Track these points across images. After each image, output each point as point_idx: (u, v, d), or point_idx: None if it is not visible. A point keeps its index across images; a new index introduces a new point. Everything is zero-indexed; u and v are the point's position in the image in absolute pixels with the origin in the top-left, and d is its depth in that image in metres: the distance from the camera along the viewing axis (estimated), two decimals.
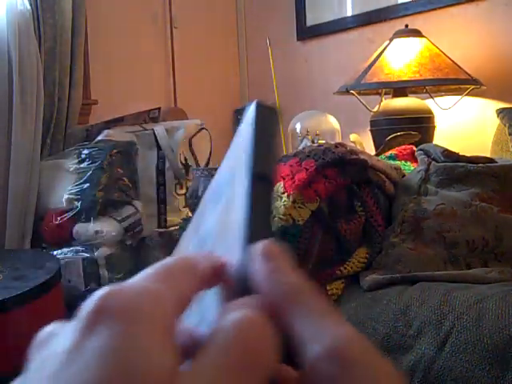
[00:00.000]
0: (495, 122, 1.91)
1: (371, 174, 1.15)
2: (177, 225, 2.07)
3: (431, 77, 1.89)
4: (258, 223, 0.22)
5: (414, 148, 1.41)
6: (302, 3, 2.71)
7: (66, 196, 1.88)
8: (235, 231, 0.22)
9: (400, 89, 2.01)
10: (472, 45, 2.17)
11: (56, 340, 0.18)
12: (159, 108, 2.29)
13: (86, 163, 1.92)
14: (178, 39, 2.74)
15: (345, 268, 1.07)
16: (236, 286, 0.21)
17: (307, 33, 2.71)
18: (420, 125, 1.90)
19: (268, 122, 0.24)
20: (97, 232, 1.83)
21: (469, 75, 1.93)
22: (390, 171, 1.22)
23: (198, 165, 2.25)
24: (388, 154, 1.46)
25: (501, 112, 1.85)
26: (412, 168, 1.32)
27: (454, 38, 2.20)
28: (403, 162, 1.40)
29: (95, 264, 1.85)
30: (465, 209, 1.12)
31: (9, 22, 2.03)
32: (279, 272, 0.21)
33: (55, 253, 1.84)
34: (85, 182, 1.88)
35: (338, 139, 2.10)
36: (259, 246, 0.21)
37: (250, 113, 0.25)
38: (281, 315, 0.20)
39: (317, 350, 0.19)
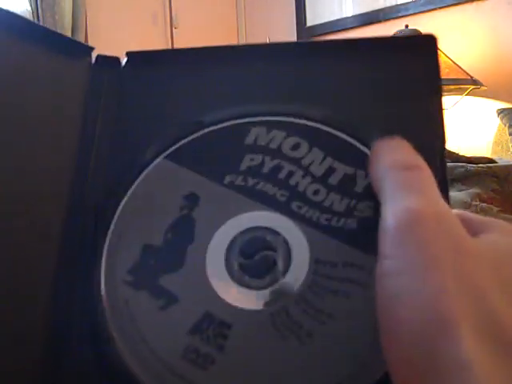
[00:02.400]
0: (495, 121, 1.90)
1: None
2: None
3: None
4: None
5: None
6: (301, 3, 2.70)
7: None
8: None
9: None
10: (472, 45, 2.17)
11: None
12: None
13: None
14: (178, 39, 2.74)
15: None
16: None
17: (307, 33, 2.71)
18: None
19: None
20: None
21: (469, 75, 1.93)
22: None
23: None
24: None
25: (501, 112, 1.85)
26: None
27: (453, 38, 2.20)
28: None
29: None
30: (465, 209, 1.12)
31: None
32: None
33: None
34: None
35: None
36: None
37: None
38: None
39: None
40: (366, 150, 0.25)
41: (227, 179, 0.25)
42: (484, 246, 0.20)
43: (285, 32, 2.78)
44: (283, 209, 0.25)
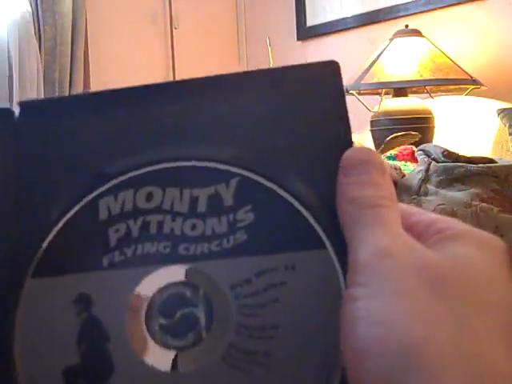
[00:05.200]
0: (495, 122, 1.90)
1: None
2: None
3: (431, 77, 1.89)
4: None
5: (414, 148, 1.41)
6: (301, 3, 2.70)
7: None
8: None
9: (400, 89, 2.01)
10: (472, 45, 2.17)
11: None
12: None
13: None
14: (178, 39, 2.74)
15: None
16: None
17: (307, 33, 2.71)
18: (420, 125, 1.90)
19: None
20: None
21: (469, 75, 1.93)
22: (390, 171, 1.22)
23: None
24: (388, 154, 1.46)
25: (501, 112, 1.85)
26: (412, 168, 1.32)
27: (454, 38, 2.20)
28: (403, 162, 1.40)
29: None
30: (465, 209, 1.12)
31: (9, 23, 2.03)
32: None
33: None
34: None
35: None
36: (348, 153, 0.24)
37: None
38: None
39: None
40: (212, 164, 0.25)
41: (105, 262, 0.24)
42: (451, 262, 0.21)
43: (285, 32, 2.78)
44: (172, 258, 0.24)
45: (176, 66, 2.75)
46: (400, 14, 2.33)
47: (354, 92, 1.98)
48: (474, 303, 0.19)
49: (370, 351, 0.19)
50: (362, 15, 2.49)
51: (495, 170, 1.16)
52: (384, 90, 2.08)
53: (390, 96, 2.06)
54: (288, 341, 0.23)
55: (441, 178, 1.18)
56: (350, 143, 0.25)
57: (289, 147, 0.25)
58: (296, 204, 0.24)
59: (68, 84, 2.22)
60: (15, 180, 0.25)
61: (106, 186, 0.25)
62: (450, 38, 2.19)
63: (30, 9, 2.08)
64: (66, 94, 2.21)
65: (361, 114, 2.17)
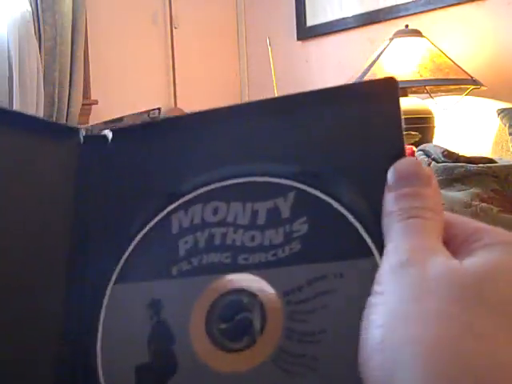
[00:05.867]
0: (495, 122, 1.91)
1: None
2: None
3: (431, 77, 1.89)
4: None
5: (414, 148, 1.41)
6: (302, 3, 2.70)
7: None
8: None
9: (400, 89, 2.00)
10: (472, 45, 2.17)
11: None
12: (159, 108, 2.28)
13: None
14: (178, 39, 2.74)
15: None
16: None
17: (307, 33, 2.71)
18: (420, 125, 1.90)
19: None
20: None
21: (469, 75, 1.93)
22: None
23: None
24: None
25: (501, 112, 1.85)
26: None
27: (454, 37, 2.20)
28: None
29: None
30: (465, 209, 1.12)
31: (9, 23, 2.03)
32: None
33: None
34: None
35: None
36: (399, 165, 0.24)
37: None
38: None
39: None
40: (272, 179, 0.27)
41: (174, 271, 0.27)
42: (474, 274, 0.21)
43: (285, 32, 2.78)
44: (233, 267, 0.26)
45: (176, 66, 2.75)
46: (400, 14, 2.33)
47: None
48: (494, 311, 0.19)
49: (372, 352, 0.19)
50: (361, 15, 2.49)
51: (495, 170, 1.16)
52: None
53: None
54: (335, 345, 0.24)
55: (441, 178, 1.18)
56: (403, 156, 0.26)
57: (345, 161, 0.26)
58: (348, 215, 0.25)
59: (68, 84, 2.22)
60: (104, 197, 0.29)
61: (178, 203, 0.28)
62: (449, 38, 2.19)
63: (29, 8, 2.08)
64: (66, 94, 2.21)
65: None
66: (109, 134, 0.31)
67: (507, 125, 1.79)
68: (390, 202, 0.23)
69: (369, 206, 0.25)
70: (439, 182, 1.16)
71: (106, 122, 2.18)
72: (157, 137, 0.30)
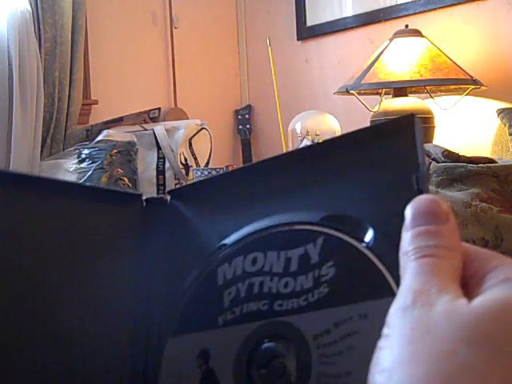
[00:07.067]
0: (495, 122, 1.91)
1: None
2: None
3: (431, 77, 1.89)
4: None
5: None
6: (302, 3, 2.70)
7: None
8: None
9: (400, 89, 2.01)
10: (472, 45, 2.17)
11: None
12: (159, 108, 2.28)
13: (86, 163, 1.92)
14: (178, 39, 2.74)
15: None
16: None
17: (307, 33, 2.71)
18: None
19: None
20: None
21: (469, 75, 1.93)
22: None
23: (198, 165, 2.25)
24: None
25: (501, 112, 1.85)
26: None
27: (454, 38, 2.20)
28: None
29: None
30: (465, 209, 1.12)
31: (9, 22, 2.03)
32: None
33: None
34: (85, 182, 1.88)
35: None
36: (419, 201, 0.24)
37: None
38: None
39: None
40: (303, 227, 0.28)
41: (220, 321, 0.29)
42: (478, 314, 0.20)
43: (285, 32, 2.78)
44: (269, 314, 0.28)
45: (176, 66, 2.75)
46: (400, 14, 2.33)
47: (354, 92, 1.98)
48: (498, 350, 0.19)
49: None
50: (361, 15, 2.49)
51: (495, 169, 1.16)
52: (384, 90, 2.08)
53: (390, 96, 2.06)
54: None
55: (441, 178, 1.18)
56: (421, 193, 0.26)
57: (368, 202, 0.27)
58: (372, 256, 0.26)
59: (68, 84, 2.22)
60: (164, 254, 0.32)
61: (223, 255, 0.30)
62: (449, 38, 2.19)
63: (29, 8, 2.08)
64: (66, 94, 2.21)
65: (361, 113, 2.17)
66: (167, 197, 0.34)
67: (507, 125, 1.79)
68: (407, 241, 0.23)
69: (390, 245, 0.25)
70: (439, 182, 1.16)
71: (106, 122, 2.18)
72: (207, 195, 0.32)
